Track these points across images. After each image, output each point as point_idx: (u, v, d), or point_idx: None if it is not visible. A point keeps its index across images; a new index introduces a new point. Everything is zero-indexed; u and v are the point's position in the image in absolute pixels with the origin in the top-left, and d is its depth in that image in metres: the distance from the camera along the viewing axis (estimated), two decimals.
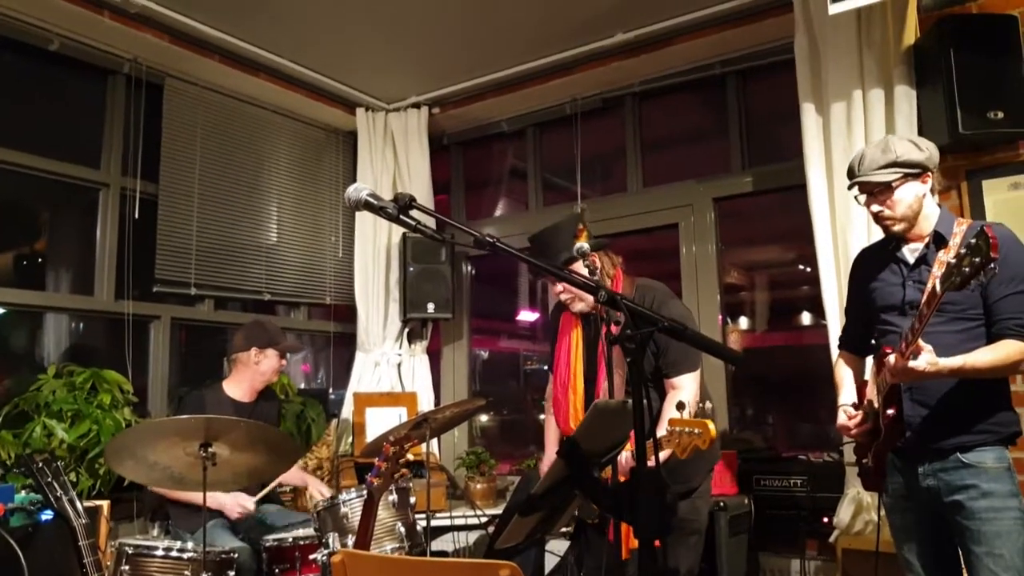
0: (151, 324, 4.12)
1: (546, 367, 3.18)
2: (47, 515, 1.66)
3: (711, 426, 1.83)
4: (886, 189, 2.17)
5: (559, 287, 2.86)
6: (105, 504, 2.90)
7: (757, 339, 4.74)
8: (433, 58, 4.39)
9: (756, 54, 4.09)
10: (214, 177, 4.35)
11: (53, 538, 1.63)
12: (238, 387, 3.54)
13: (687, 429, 1.90)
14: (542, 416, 3.58)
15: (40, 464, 1.77)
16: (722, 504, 3.38)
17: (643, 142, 4.62)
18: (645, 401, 1.23)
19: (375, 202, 1.58)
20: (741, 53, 4.13)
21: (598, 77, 4.44)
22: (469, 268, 5.27)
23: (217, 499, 3.24)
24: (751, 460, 3.79)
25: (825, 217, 3.39)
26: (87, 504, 1.77)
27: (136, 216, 4.02)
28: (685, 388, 2.67)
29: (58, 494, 1.73)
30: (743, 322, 4.71)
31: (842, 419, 2.31)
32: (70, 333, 4.31)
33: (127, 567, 2.72)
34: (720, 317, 4.24)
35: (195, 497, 3.13)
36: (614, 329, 1.46)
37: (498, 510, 4.15)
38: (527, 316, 5.65)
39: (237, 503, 3.27)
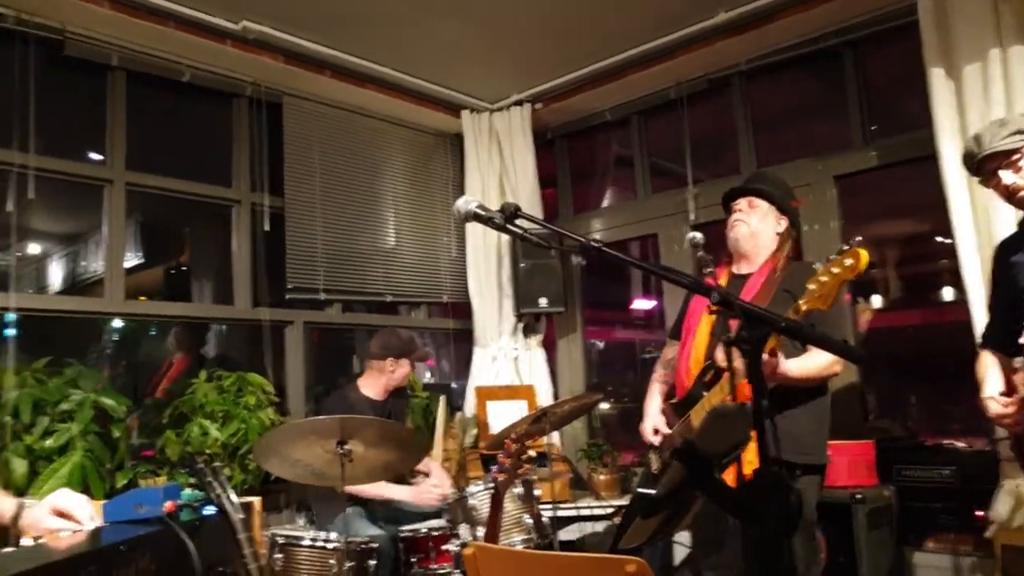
0: (286, 329, 4.38)
1: (669, 336, 3.17)
2: (209, 510, 1.82)
3: (863, 252, 1.65)
4: (1015, 158, 2.05)
5: (739, 207, 2.84)
6: (257, 500, 3.15)
7: (891, 318, 4.52)
8: (532, 55, 4.44)
9: (872, 21, 3.89)
10: (334, 187, 4.58)
11: (216, 531, 1.78)
12: (372, 388, 3.76)
13: (832, 269, 1.75)
14: None
15: (201, 464, 1.93)
16: (860, 496, 3.22)
17: (754, 122, 4.50)
18: (764, 402, 1.24)
19: (483, 213, 1.66)
20: (855, 22, 3.93)
21: (702, 59, 4.35)
22: (580, 260, 5.30)
23: (399, 492, 3.45)
24: (890, 449, 3.58)
25: (962, 187, 3.21)
26: (242, 500, 1.92)
27: (266, 229, 4.29)
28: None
29: (217, 491, 1.88)
30: (875, 300, 4.50)
31: (995, 409, 2.18)
32: (216, 340, 4.68)
33: (279, 555, 2.95)
34: (848, 296, 4.08)
35: (387, 492, 3.45)
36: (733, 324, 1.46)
37: (623, 500, 4.19)
38: (641, 304, 5.63)
39: (425, 491, 3.45)
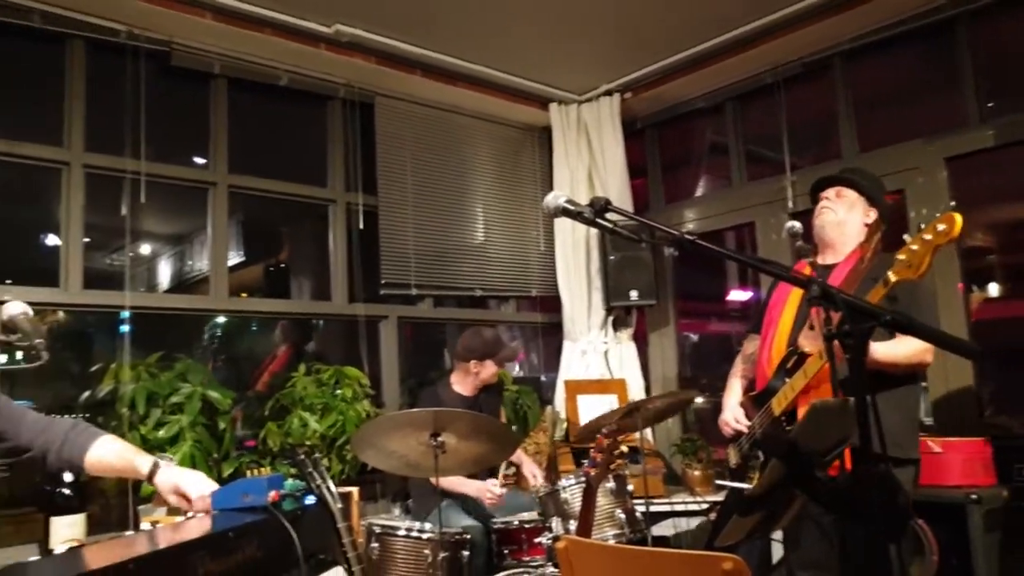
0: (380, 323, 4.49)
1: (749, 330, 3.11)
2: (310, 500, 1.87)
3: (957, 216, 1.58)
4: None
5: (827, 195, 2.79)
6: (355, 490, 3.24)
7: (1012, 307, 4.24)
8: (621, 44, 4.38)
9: None
10: (424, 184, 4.65)
11: (316, 521, 1.84)
12: (462, 385, 3.82)
13: (924, 236, 1.67)
14: None
15: (302, 455, 1.98)
16: (975, 496, 3.03)
17: (856, 103, 4.29)
18: (868, 398, 1.18)
19: (572, 208, 1.65)
20: None
21: (799, 41, 4.19)
22: (672, 251, 5.20)
23: (468, 486, 3.51)
24: (1009, 447, 3.35)
25: None
26: (341, 490, 1.98)
27: (361, 227, 4.41)
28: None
29: (318, 482, 1.93)
30: (992, 288, 4.23)
31: None
32: (314, 334, 4.84)
33: (376, 545, 3.03)
34: (960, 285, 3.84)
35: (458, 486, 3.48)
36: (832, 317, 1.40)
37: (718, 497, 4.10)
38: (738, 296, 5.48)
39: (487, 488, 3.50)
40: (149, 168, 3.67)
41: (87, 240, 3.57)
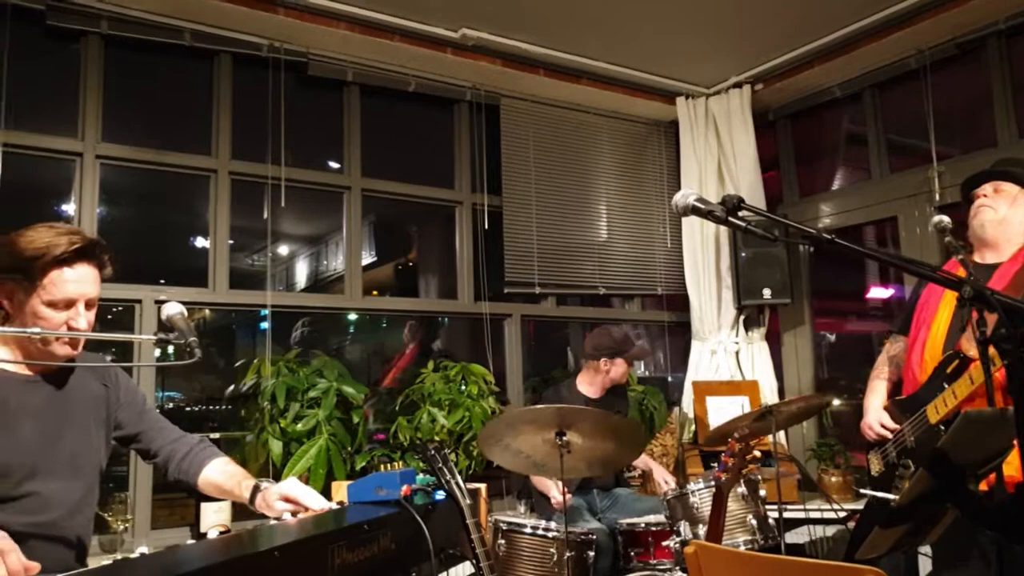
0: (504, 321, 4.55)
1: (891, 329, 2.95)
2: (440, 495, 1.92)
3: None
4: None
5: (984, 192, 2.61)
6: (483, 487, 3.30)
7: None
8: (751, 34, 4.22)
9: None
10: (548, 183, 4.67)
11: (446, 516, 1.88)
12: (589, 386, 3.81)
13: None
14: None
15: (432, 451, 2.02)
16: None
17: (1015, 86, 3.96)
18: None
19: (703, 207, 1.59)
20: None
21: (949, 21, 3.90)
22: (808, 247, 4.97)
23: (544, 484, 3.51)
24: None
25: None
26: (469, 486, 2.01)
27: (486, 227, 4.48)
28: None
29: (447, 477, 1.97)
30: None
31: None
32: (442, 332, 4.97)
33: (502, 541, 3.07)
34: None
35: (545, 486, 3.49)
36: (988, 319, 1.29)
37: (857, 505, 3.88)
38: (879, 293, 5.17)
39: (551, 492, 3.48)
40: (288, 173, 3.88)
41: (231, 242, 3.81)
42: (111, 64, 3.58)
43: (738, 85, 4.75)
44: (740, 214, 1.55)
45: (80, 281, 1.82)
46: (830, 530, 4.03)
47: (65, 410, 1.91)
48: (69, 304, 1.81)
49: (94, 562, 1.60)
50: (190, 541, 1.52)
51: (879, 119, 4.58)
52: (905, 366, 2.70)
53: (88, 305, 1.86)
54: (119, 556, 1.49)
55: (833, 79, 4.60)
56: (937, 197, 4.15)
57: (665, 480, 3.73)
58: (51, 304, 1.79)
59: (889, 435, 2.64)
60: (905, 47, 4.17)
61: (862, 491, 2.82)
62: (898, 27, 4.02)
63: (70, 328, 1.81)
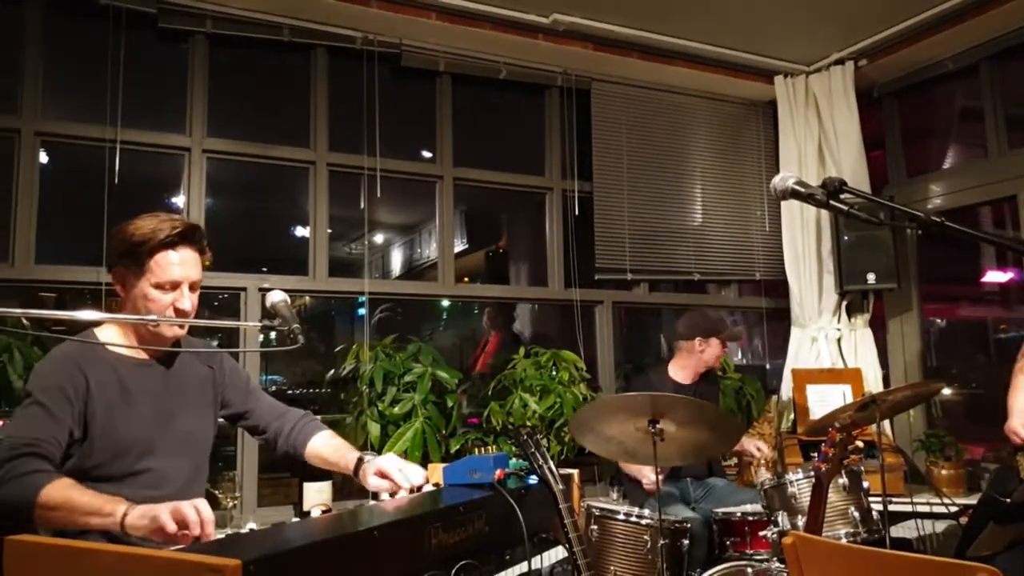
0: (595, 308, 4.53)
1: None
2: (532, 480, 1.93)
3: None
4: None
5: None
6: (576, 472, 3.30)
7: None
8: (854, 7, 4.02)
9: None
10: (640, 168, 4.60)
11: (538, 500, 1.89)
12: (681, 371, 3.74)
13: None
14: None
15: (525, 436, 2.03)
16: None
17: None
18: None
19: (802, 190, 1.54)
20: None
21: None
22: (915, 230, 4.71)
23: (636, 468, 3.48)
24: None
25: None
26: (562, 471, 2.02)
27: (576, 213, 4.46)
28: None
29: (540, 462, 1.97)
30: None
31: None
32: (530, 318, 5.00)
33: (595, 527, 3.07)
34: None
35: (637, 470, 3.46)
36: None
37: (970, 500, 3.69)
38: (995, 277, 4.88)
39: (644, 475, 3.45)
40: (383, 164, 3.97)
41: (329, 232, 3.93)
42: (215, 62, 3.75)
43: (840, 62, 4.55)
44: (842, 197, 1.49)
45: (183, 263, 1.94)
46: (939, 525, 3.85)
47: (177, 391, 2.03)
48: (175, 286, 1.93)
49: None
50: (294, 519, 1.59)
51: (997, 93, 4.30)
52: None
53: (192, 287, 1.97)
54: (229, 531, 1.57)
55: (945, 52, 4.35)
56: None
57: (758, 447, 3.65)
58: (158, 286, 1.91)
59: None
60: None
61: (993, 495, 2.59)
62: None
63: (176, 309, 1.93)
